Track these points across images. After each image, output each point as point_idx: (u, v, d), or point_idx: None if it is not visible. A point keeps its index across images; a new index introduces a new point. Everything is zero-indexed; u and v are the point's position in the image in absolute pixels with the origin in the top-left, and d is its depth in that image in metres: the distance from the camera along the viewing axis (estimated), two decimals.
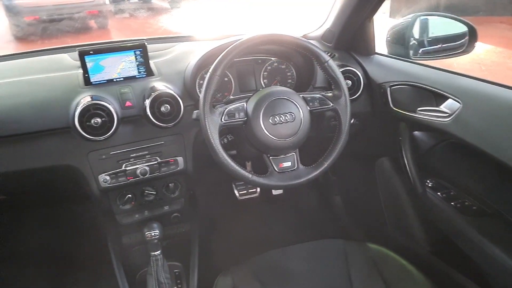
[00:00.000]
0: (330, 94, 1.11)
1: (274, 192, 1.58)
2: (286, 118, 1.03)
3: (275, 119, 1.02)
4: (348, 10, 1.30)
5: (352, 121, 1.29)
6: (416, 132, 1.34)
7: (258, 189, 1.59)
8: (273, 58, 1.38)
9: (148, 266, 1.30)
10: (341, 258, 1.14)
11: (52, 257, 1.71)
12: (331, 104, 1.09)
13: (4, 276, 1.65)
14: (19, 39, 4.96)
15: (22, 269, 1.68)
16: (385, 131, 1.44)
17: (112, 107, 1.08)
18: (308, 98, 1.09)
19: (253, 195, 1.57)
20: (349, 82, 1.31)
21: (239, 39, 1.01)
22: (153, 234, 1.26)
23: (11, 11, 4.85)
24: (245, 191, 1.56)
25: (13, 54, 1.40)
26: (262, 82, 1.38)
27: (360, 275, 1.09)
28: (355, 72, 1.31)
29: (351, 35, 1.39)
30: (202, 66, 1.21)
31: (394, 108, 1.27)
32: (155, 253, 1.29)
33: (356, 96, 1.33)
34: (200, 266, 1.41)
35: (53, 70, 1.21)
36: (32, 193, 1.35)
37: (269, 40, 1.05)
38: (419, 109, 1.17)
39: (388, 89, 1.28)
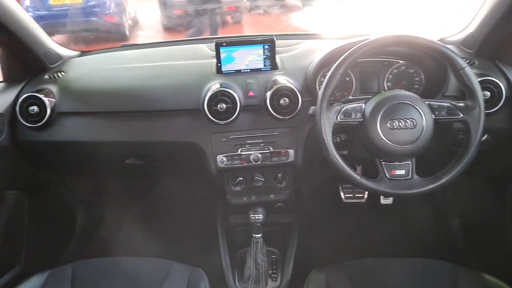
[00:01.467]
0: (461, 104, 1.02)
1: (383, 200, 1.51)
2: (406, 124, 0.98)
3: (394, 124, 0.99)
4: (498, 13, 1.15)
5: (484, 137, 1.16)
6: None
7: (366, 195, 1.54)
8: (401, 61, 1.31)
9: (249, 247, 1.39)
10: (449, 283, 1.04)
11: (168, 223, 1.94)
12: (461, 115, 1.00)
13: (128, 234, 1.95)
14: (168, 29, 5.75)
15: (143, 231, 1.94)
16: None
17: (237, 95, 1.18)
18: (435, 106, 1.01)
19: (359, 200, 1.53)
20: (487, 93, 1.17)
21: (366, 39, 1.00)
22: (257, 217, 1.34)
23: (165, 4, 5.74)
24: (351, 195, 1.53)
25: (161, 42, 1.63)
26: (385, 85, 1.33)
27: None
28: (497, 83, 1.17)
29: (498, 42, 1.24)
30: (325, 63, 1.22)
31: None
32: (257, 235, 1.37)
33: (494, 109, 1.18)
34: (295, 257, 1.45)
35: (192, 58, 1.38)
36: (162, 162, 1.55)
37: (398, 41, 1.01)
38: None
39: None
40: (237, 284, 1.42)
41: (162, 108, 1.25)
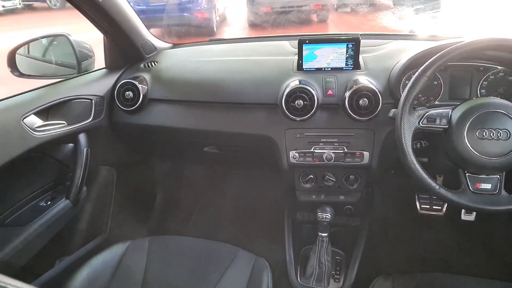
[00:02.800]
0: None
1: (464, 216, 1.40)
2: (498, 134, 0.91)
3: (483, 133, 0.91)
4: None
5: None
6: None
7: (444, 208, 1.44)
8: (499, 67, 1.20)
9: (314, 245, 1.39)
10: None
11: (237, 212, 2.01)
12: None
13: (200, 217, 2.06)
14: (253, 25, 5.96)
15: (214, 216, 2.04)
16: None
17: (315, 92, 1.18)
18: None
19: (436, 213, 1.43)
20: None
21: (459, 41, 0.94)
22: (325, 216, 1.33)
23: (253, 1, 6.00)
24: (428, 206, 1.44)
25: (246, 38, 1.69)
26: (478, 92, 1.22)
27: None
28: None
29: None
30: (412, 65, 1.16)
31: None
32: (323, 234, 1.37)
33: None
34: (360, 262, 1.41)
35: (274, 54, 1.41)
36: (237, 153, 1.62)
37: (496, 45, 0.93)
38: None
39: None
40: (299, 279, 1.43)
41: (242, 101, 1.30)
